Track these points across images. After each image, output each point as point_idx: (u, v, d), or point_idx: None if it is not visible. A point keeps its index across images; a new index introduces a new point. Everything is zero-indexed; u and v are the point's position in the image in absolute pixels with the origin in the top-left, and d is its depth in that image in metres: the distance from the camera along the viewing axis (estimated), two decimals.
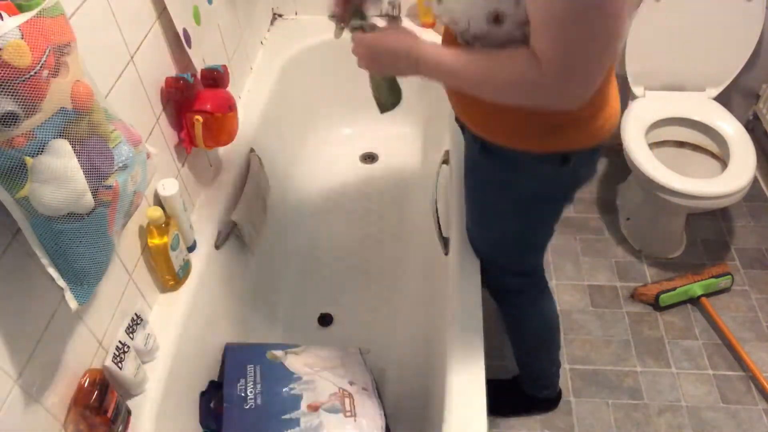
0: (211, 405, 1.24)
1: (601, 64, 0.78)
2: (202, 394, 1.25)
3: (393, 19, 1.13)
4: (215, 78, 1.34)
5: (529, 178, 1.06)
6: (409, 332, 1.62)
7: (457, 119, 1.19)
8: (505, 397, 1.59)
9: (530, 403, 1.62)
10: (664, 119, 1.93)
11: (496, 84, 0.85)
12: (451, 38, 0.97)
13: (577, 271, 2.00)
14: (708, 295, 1.88)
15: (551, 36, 0.75)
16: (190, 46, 1.32)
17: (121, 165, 0.83)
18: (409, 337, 1.61)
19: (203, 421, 1.22)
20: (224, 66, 1.37)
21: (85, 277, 0.83)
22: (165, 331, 1.15)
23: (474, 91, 0.89)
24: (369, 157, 2.16)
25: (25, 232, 0.75)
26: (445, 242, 1.37)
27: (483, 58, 0.85)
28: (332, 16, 1.09)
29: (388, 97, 1.14)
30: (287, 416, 1.19)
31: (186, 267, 1.23)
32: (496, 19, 0.82)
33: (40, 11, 0.66)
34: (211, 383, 1.29)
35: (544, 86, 0.80)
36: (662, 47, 1.91)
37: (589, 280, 1.97)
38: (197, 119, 1.26)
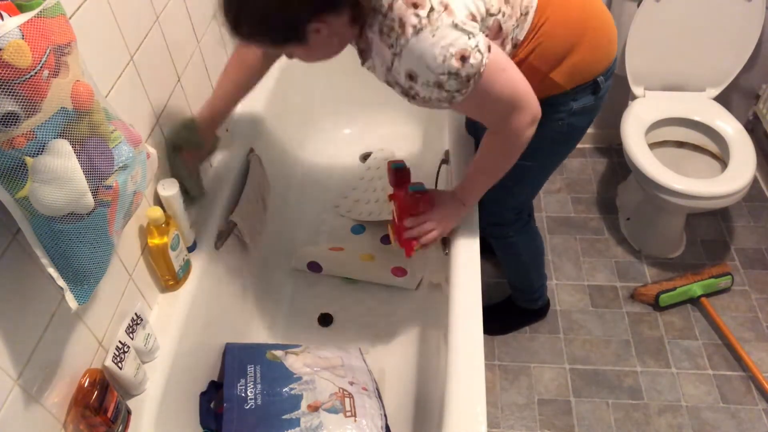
0: (211, 405, 1.24)
1: (518, 93, 1.06)
2: (202, 394, 1.25)
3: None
4: None
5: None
6: (409, 332, 1.62)
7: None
8: (503, 317, 1.85)
9: (526, 316, 1.88)
10: (664, 119, 1.94)
11: (502, 160, 1.20)
12: None
13: (577, 271, 2.00)
14: (708, 295, 1.88)
15: (485, 119, 1.14)
16: None
17: (121, 165, 0.82)
18: (408, 338, 1.61)
19: (203, 422, 1.22)
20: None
21: (85, 277, 0.82)
22: (165, 331, 1.15)
23: (500, 173, 1.22)
24: (369, 157, 2.15)
25: (25, 232, 0.75)
26: (444, 241, 1.37)
27: (482, 160, 1.23)
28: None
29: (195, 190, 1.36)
30: (287, 416, 1.19)
31: (186, 267, 1.23)
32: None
33: (40, 11, 0.66)
34: (211, 383, 1.29)
35: (512, 135, 1.12)
36: (662, 47, 1.92)
37: (589, 280, 1.97)
38: None
